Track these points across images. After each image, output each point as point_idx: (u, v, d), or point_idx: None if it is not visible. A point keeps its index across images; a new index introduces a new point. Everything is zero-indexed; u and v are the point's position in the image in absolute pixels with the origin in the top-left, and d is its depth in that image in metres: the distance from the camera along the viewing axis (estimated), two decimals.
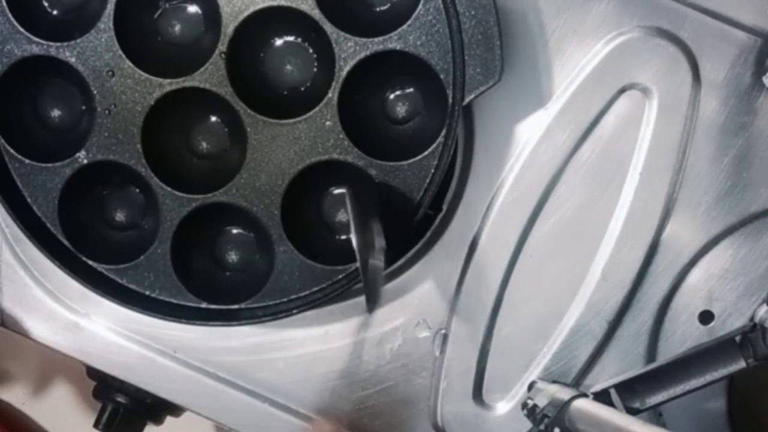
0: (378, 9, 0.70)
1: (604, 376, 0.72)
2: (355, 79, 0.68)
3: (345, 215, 0.72)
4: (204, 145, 0.72)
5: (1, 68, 0.68)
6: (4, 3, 0.68)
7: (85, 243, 0.70)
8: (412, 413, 0.73)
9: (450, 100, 0.67)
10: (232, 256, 0.73)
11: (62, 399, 0.92)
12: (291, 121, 0.68)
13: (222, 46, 0.68)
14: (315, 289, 0.69)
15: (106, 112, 0.69)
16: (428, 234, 0.72)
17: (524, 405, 0.68)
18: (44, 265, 0.72)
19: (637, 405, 0.67)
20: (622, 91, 0.70)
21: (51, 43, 0.68)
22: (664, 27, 0.70)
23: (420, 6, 0.66)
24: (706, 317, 0.72)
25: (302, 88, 0.71)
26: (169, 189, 0.69)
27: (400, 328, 0.73)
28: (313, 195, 0.72)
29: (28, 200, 0.69)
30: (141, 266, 0.70)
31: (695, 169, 0.71)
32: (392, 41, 0.67)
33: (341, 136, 0.68)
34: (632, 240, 0.71)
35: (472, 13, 0.66)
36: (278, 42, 0.71)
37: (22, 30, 0.68)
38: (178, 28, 0.71)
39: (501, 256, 0.72)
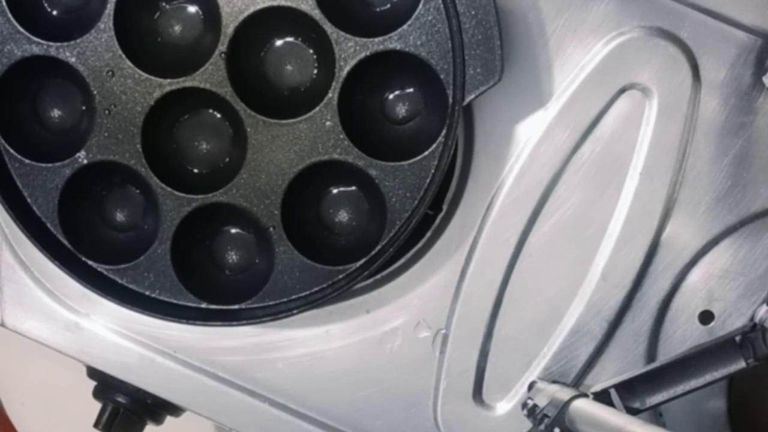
0: (378, 9, 0.70)
1: (604, 376, 0.72)
2: (356, 79, 0.68)
3: (345, 215, 0.72)
4: (204, 145, 0.72)
5: (1, 68, 0.68)
6: (4, 3, 0.68)
7: (85, 243, 0.70)
8: (412, 413, 0.73)
9: (450, 100, 0.67)
10: (232, 256, 0.73)
11: (62, 399, 0.92)
12: (291, 121, 0.68)
13: (222, 46, 0.68)
14: (315, 289, 0.69)
15: (106, 112, 0.69)
16: (428, 234, 0.72)
17: (524, 405, 0.68)
18: (44, 265, 0.72)
19: (637, 405, 0.67)
20: (622, 91, 0.70)
21: (51, 43, 0.68)
22: (664, 27, 0.70)
23: (420, 6, 0.66)
24: (706, 317, 0.72)
25: (302, 88, 0.71)
26: (169, 189, 0.69)
27: (400, 328, 0.73)
28: (313, 195, 0.72)
29: (28, 200, 0.69)
30: (141, 266, 0.70)
31: (695, 169, 0.71)
32: (392, 41, 0.67)
33: (341, 136, 0.68)
34: (632, 240, 0.71)
35: (472, 13, 0.66)
36: (278, 42, 0.71)
37: (22, 30, 0.68)
38: (178, 28, 0.71)
39: (501, 256, 0.72)
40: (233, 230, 0.73)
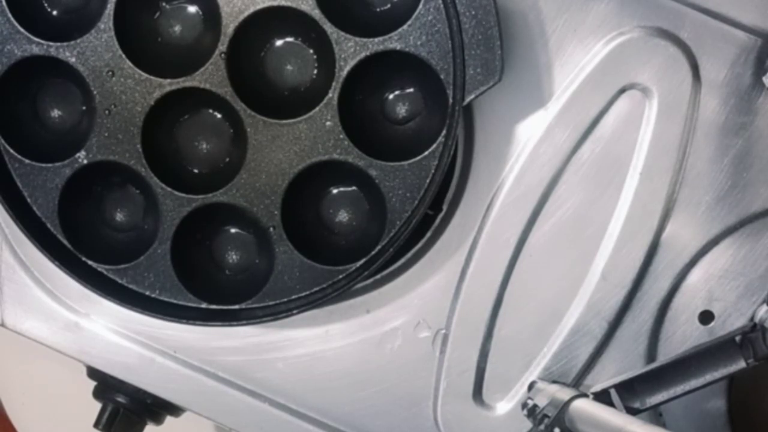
0: (378, 9, 0.70)
1: (604, 376, 0.72)
2: (356, 79, 0.68)
3: (345, 215, 0.72)
4: (204, 145, 0.72)
5: (1, 68, 0.68)
6: (4, 3, 0.68)
7: (85, 243, 0.70)
8: (412, 413, 0.73)
9: (450, 100, 0.67)
10: (232, 256, 0.73)
11: (62, 399, 0.92)
12: (291, 121, 0.68)
13: (222, 46, 0.68)
14: (315, 289, 0.69)
15: (106, 112, 0.69)
16: (428, 234, 0.72)
17: (524, 405, 0.68)
18: (44, 265, 0.72)
19: (637, 405, 0.67)
20: (622, 91, 0.70)
21: (51, 43, 0.68)
22: (664, 27, 0.70)
23: (420, 6, 0.66)
24: (706, 317, 0.72)
25: (302, 88, 0.71)
26: (169, 189, 0.69)
27: (400, 328, 0.73)
28: (313, 195, 0.72)
29: (28, 200, 0.69)
30: (141, 266, 0.70)
31: (695, 169, 0.71)
32: (392, 41, 0.67)
33: (341, 136, 0.68)
34: (632, 240, 0.71)
35: (473, 13, 0.66)
36: (278, 42, 0.71)
37: (22, 30, 0.68)
38: (178, 28, 0.71)
39: (501, 256, 0.72)
40: (233, 230, 0.73)
